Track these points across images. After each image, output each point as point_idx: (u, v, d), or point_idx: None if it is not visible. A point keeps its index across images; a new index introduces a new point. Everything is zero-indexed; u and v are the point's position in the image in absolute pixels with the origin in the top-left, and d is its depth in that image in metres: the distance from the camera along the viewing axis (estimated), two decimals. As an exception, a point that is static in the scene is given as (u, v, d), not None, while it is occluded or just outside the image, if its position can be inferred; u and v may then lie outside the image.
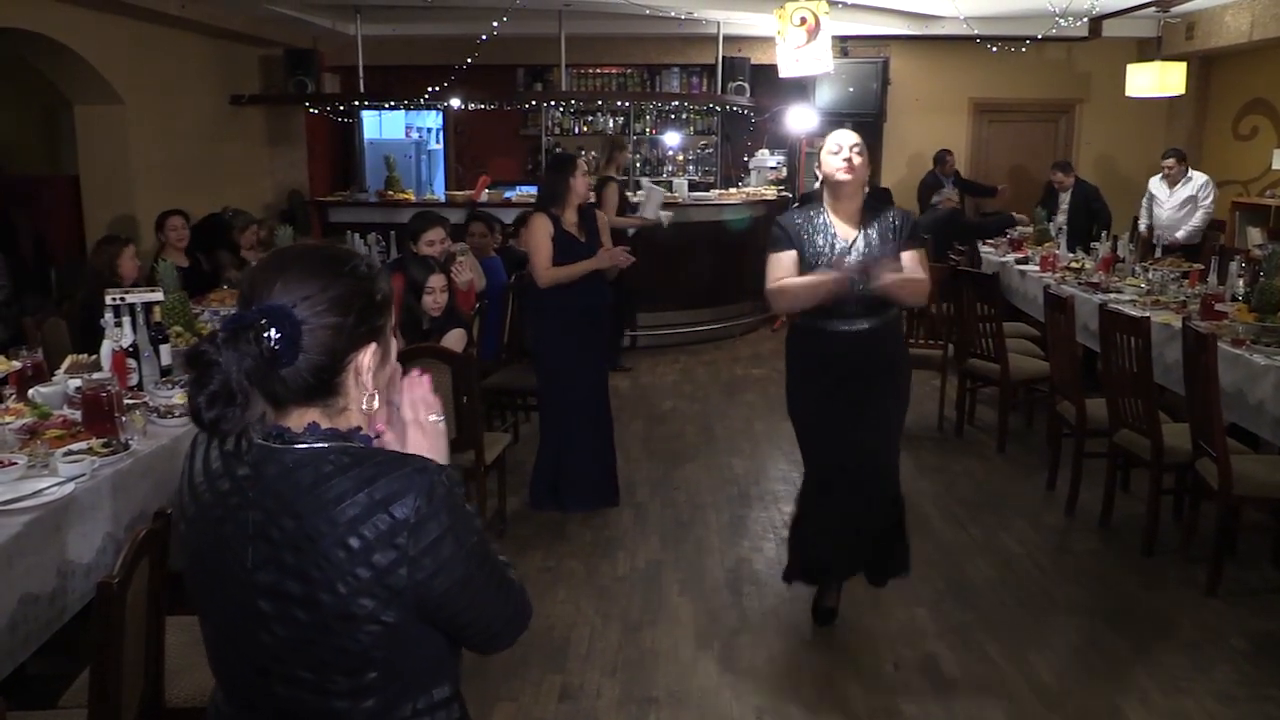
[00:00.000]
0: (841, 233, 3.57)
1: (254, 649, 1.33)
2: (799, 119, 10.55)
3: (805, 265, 3.54)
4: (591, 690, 3.42)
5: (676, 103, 11.03)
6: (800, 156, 10.63)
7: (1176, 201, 8.40)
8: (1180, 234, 8.24)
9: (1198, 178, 8.43)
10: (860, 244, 3.55)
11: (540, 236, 4.74)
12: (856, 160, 3.53)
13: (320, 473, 1.28)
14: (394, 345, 1.45)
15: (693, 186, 10.45)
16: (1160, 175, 8.57)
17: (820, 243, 3.56)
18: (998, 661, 3.59)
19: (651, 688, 3.44)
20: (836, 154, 3.54)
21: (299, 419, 1.33)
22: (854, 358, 3.55)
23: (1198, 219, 8.33)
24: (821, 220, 3.60)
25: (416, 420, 1.44)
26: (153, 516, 2.37)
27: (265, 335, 1.25)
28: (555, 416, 5.03)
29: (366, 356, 1.35)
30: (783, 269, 3.59)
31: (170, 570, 2.48)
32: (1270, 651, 3.66)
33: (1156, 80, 9.15)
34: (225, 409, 1.25)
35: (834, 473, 3.67)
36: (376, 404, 1.38)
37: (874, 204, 3.66)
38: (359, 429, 1.37)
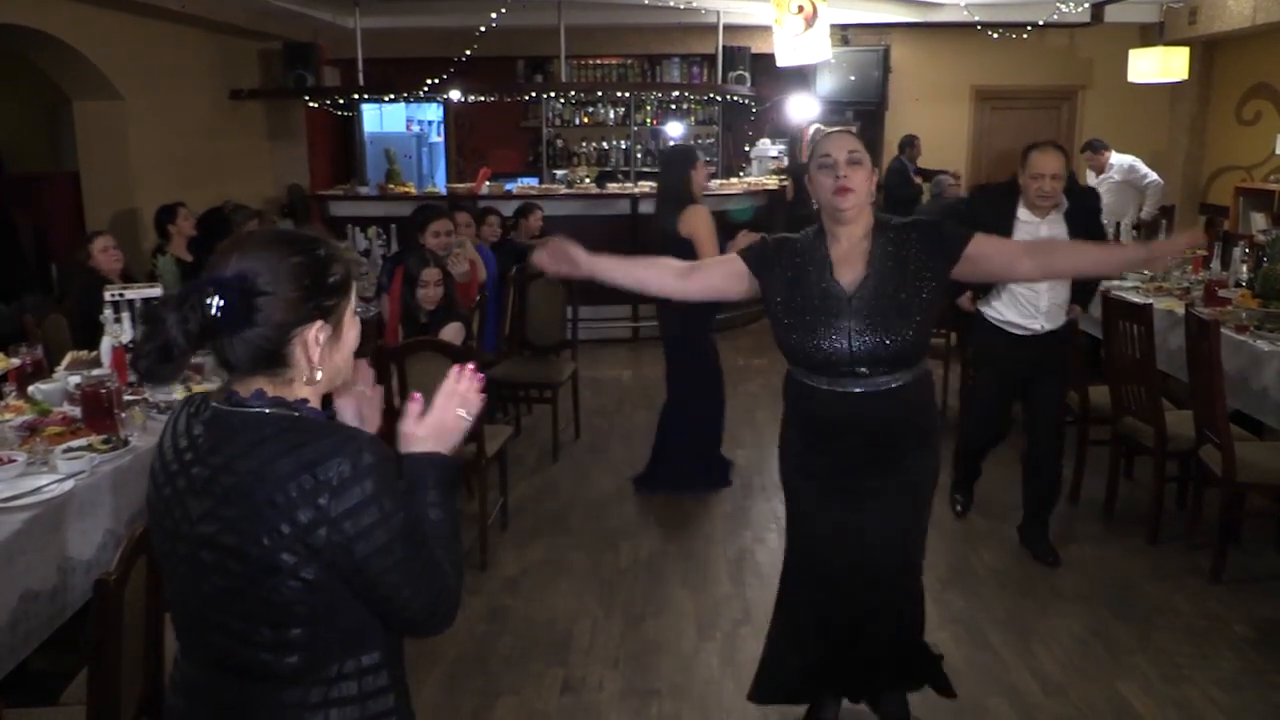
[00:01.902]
0: (842, 272, 2.64)
1: (196, 598, 1.44)
2: (800, 108, 10.52)
3: (800, 308, 2.65)
4: (594, 683, 3.42)
5: (677, 93, 11.01)
6: (802, 147, 10.59)
7: (1105, 189, 8.33)
8: (1126, 219, 8.16)
9: (1120, 161, 8.41)
10: (869, 289, 2.60)
11: (710, 226, 4.78)
12: (857, 176, 2.60)
13: (259, 435, 1.38)
14: (352, 329, 1.54)
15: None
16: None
17: (811, 284, 2.65)
18: (1000, 651, 3.59)
19: (654, 680, 3.44)
20: (829, 169, 2.62)
21: (248, 386, 1.45)
22: (851, 429, 2.67)
23: (1148, 204, 8.33)
24: (822, 255, 2.68)
25: (446, 407, 1.58)
26: (151, 513, 2.36)
27: (209, 302, 1.37)
28: (704, 406, 5.14)
29: (313, 332, 1.44)
30: (705, 265, 3.03)
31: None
32: (1274, 639, 3.65)
33: (1159, 66, 9.11)
34: (158, 363, 1.37)
35: (822, 567, 2.86)
36: (320, 378, 1.48)
37: (887, 221, 2.71)
38: (305, 400, 1.47)
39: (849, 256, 2.65)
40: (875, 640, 2.89)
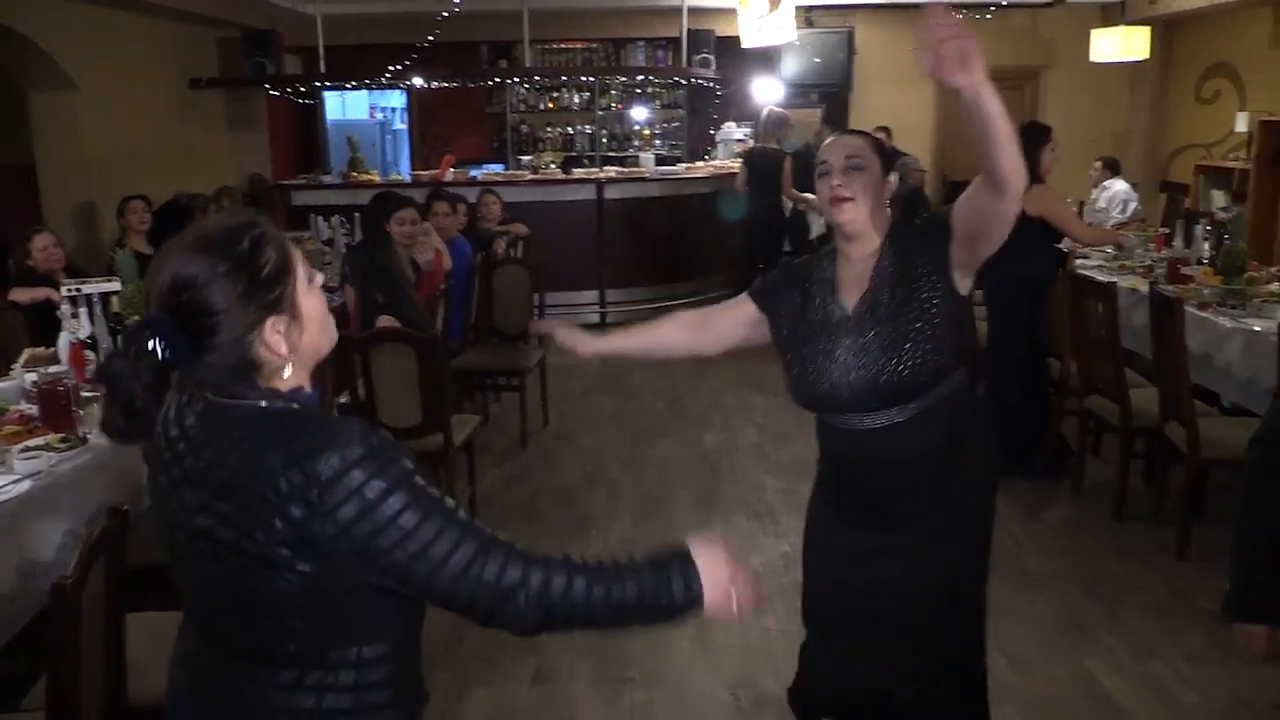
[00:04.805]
0: (847, 294, 2.33)
1: (196, 584, 1.46)
2: (765, 91, 10.49)
3: (801, 342, 2.35)
4: (565, 672, 3.41)
5: (642, 77, 10.95)
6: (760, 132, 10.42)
7: (1098, 204, 8.34)
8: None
9: (1117, 187, 8.26)
10: (867, 308, 2.28)
11: (1061, 203, 4.82)
12: (858, 183, 2.28)
13: (251, 429, 1.37)
14: (310, 300, 1.46)
15: (660, 160, 10.41)
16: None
17: (813, 311, 2.35)
18: (971, 630, 3.60)
19: (626, 668, 3.43)
20: (826, 177, 2.32)
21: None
22: (870, 469, 2.32)
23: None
24: (827, 276, 2.38)
25: (728, 595, 1.53)
26: (108, 514, 2.31)
27: (150, 347, 1.34)
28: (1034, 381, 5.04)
29: (268, 331, 1.40)
30: (716, 316, 2.58)
31: (130, 568, 2.44)
32: (1239, 612, 3.69)
33: (1120, 45, 9.17)
34: (127, 421, 1.37)
35: (823, 609, 2.55)
36: (295, 363, 1.44)
37: (903, 230, 2.36)
38: (300, 388, 1.45)
39: (858, 276, 2.32)
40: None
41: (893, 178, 2.36)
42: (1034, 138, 4.84)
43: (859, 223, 2.30)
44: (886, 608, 2.38)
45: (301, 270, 1.46)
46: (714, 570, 1.51)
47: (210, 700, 1.49)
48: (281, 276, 1.42)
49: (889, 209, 2.36)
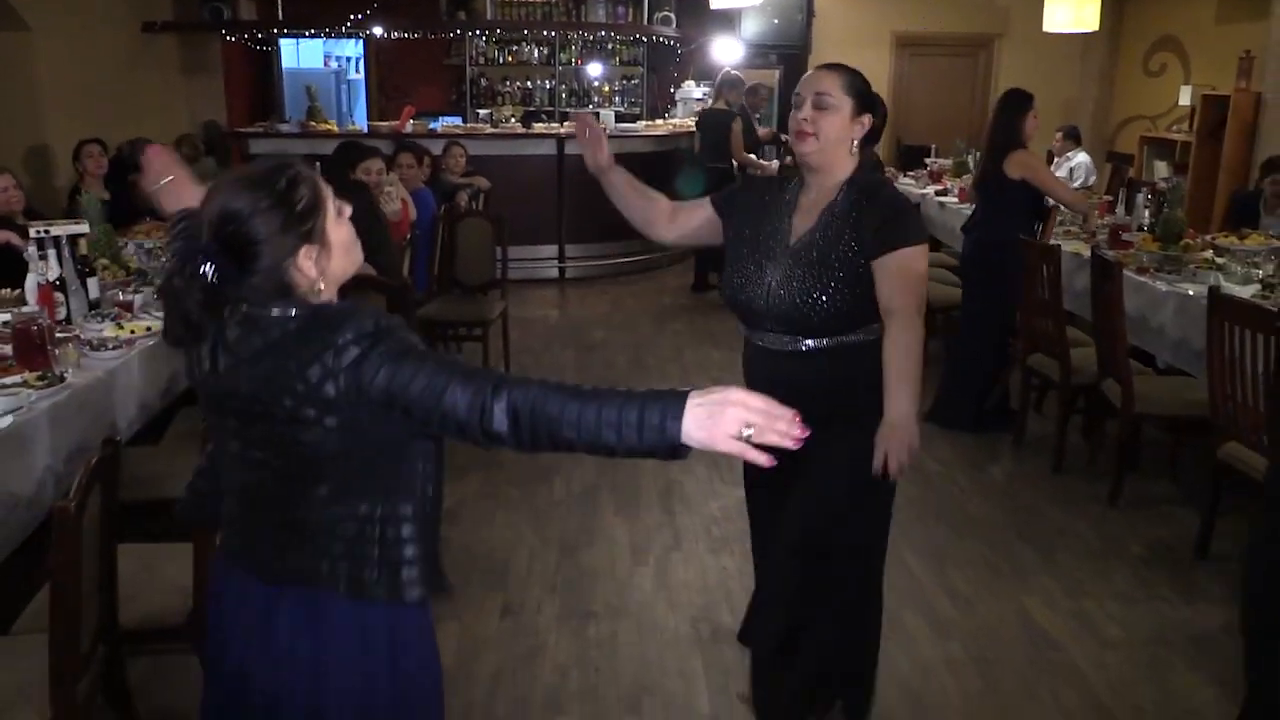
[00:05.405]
0: (798, 220, 2.51)
1: (243, 445, 1.66)
2: (725, 51, 10.56)
3: (743, 246, 2.55)
4: (532, 606, 3.56)
5: (603, 33, 10.95)
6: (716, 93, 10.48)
7: (1058, 175, 8.54)
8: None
9: (1079, 158, 8.51)
10: (804, 241, 2.46)
11: (1045, 168, 5.00)
12: (823, 121, 2.42)
13: (285, 329, 1.59)
14: (338, 231, 1.66)
15: (619, 118, 10.44)
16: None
17: (767, 222, 2.55)
18: (916, 572, 3.81)
19: (590, 602, 3.59)
20: (796, 110, 2.47)
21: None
22: (772, 390, 2.45)
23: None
24: (788, 198, 2.57)
25: (734, 415, 1.40)
26: (102, 444, 2.40)
27: (204, 272, 1.55)
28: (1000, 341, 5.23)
29: (301, 259, 1.61)
30: (688, 209, 2.74)
31: (121, 500, 2.53)
32: (1164, 557, 3.94)
33: (1073, 16, 9.32)
34: (185, 332, 1.60)
35: (753, 523, 2.86)
36: (325, 286, 1.64)
37: (864, 185, 2.50)
38: (328, 302, 1.66)
39: (813, 206, 2.49)
40: (792, 635, 2.67)
41: (865, 118, 2.47)
42: (1016, 105, 5.03)
43: (817, 158, 2.46)
44: (791, 535, 2.59)
45: (331, 205, 1.66)
46: (710, 413, 1.40)
47: (256, 558, 1.70)
48: (314, 211, 1.62)
49: (855, 151, 2.48)
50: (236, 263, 1.57)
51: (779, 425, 1.39)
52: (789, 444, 1.39)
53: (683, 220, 2.73)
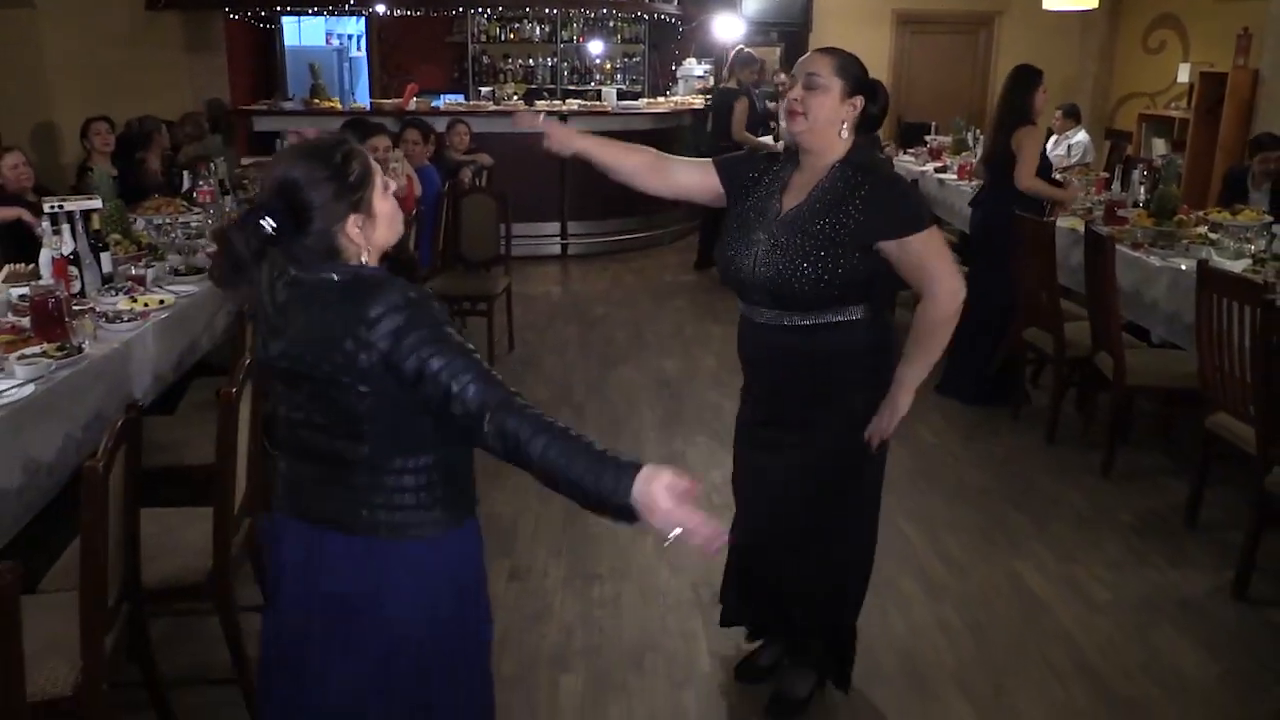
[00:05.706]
0: (789, 196, 2.55)
1: (290, 407, 1.88)
2: (726, 28, 10.59)
3: (736, 219, 2.62)
4: (539, 570, 3.67)
5: (604, 10, 10.96)
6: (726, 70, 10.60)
7: (1056, 153, 8.58)
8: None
9: (1079, 137, 8.56)
10: (793, 217, 2.50)
11: (1035, 147, 5.01)
12: (813, 101, 2.46)
13: (326, 291, 1.77)
14: (384, 203, 1.85)
15: (621, 95, 10.48)
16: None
17: (760, 198, 2.59)
18: (911, 538, 3.91)
19: (595, 566, 3.70)
20: (789, 90, 2.53)
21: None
22: (762, 362, 2.65)
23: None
24: (782, 175, 2.62)
25: (679, 515, 1.63)
26: (125, 408, 2.49)
27: (263, 224, 1.75)
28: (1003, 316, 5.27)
29: (349, 226, 1.79)
30: (679, 163, 2.76)
31: (144, 467, 2.62)
32: (1153, 526, 4.05)
33: (1073, -7, 9.37)
34: (232, 273, 1.77)
35: (738, 495, 2.89)
36: (370, 253, 1.83)
37: (860, 164, 2.52)
38: (366, 265, 1.83)
39: (805, 184, 2.54)
40: (776, 602, 2.82)
41: (857, 100, 2.50)
42: (1025, 82, 5.09)
43: (807, 137, 2.51)
44: (774, 503, 2.70)
45: (379, 179, 1.85)
46: (653, 492, 1.62)
47: (302, 504, 1.90)
48: (364, 183, 1.81)
49: (846, 134, 2.52)
50: (293, 223, 1.75)
51: (697, 538, 1.62)
52: (710, 552, 1.69)
53: (680, 173, 2.74)
